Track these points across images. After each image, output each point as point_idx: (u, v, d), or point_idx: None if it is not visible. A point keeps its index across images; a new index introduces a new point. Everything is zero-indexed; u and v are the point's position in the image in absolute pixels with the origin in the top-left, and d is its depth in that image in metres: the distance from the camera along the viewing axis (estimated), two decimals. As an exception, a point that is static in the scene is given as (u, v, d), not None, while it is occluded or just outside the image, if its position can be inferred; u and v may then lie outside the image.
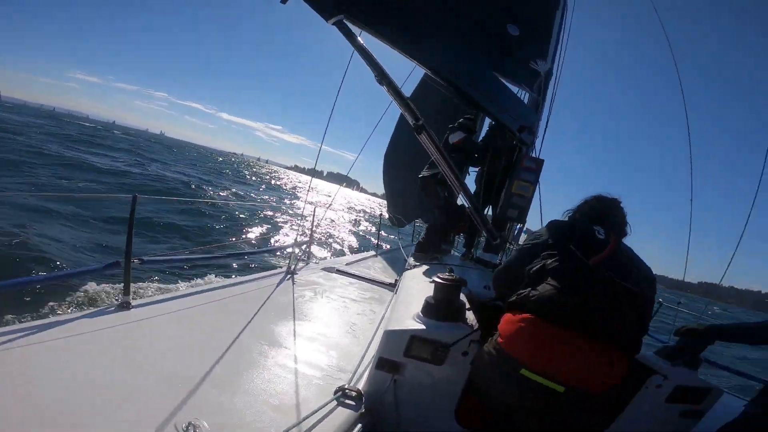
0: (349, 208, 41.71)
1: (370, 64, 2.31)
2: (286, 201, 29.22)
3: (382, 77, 2.32)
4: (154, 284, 6.49)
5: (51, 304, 5.20)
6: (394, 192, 7.83)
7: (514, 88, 4.25)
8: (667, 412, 1.87)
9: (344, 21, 2.20)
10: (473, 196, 3.64)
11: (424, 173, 4.27)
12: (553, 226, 1.82)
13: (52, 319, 1.92)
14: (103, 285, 5.91)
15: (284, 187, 45.74)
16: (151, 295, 2.91)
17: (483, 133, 5.03)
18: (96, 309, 2.14)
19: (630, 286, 1.51)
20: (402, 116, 6.22)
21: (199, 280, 7.28)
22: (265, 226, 16.19)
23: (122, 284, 2.23)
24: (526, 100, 4.41)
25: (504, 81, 3.83)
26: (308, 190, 5.35)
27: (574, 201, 1.95)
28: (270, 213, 19.75)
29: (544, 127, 4.24)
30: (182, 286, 6.41)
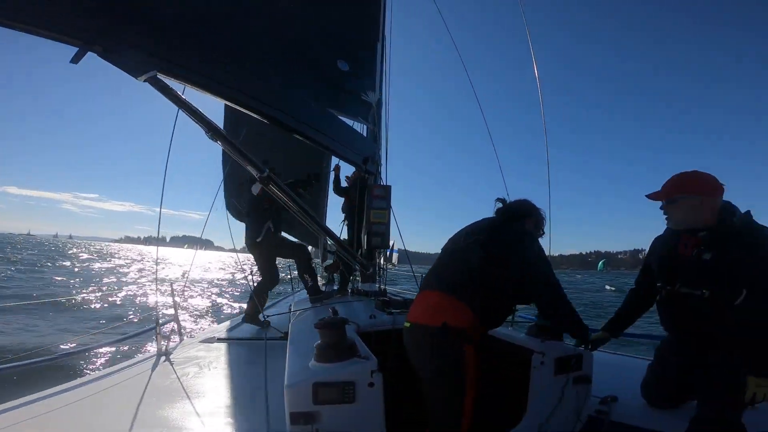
0: (208, 269, 37.81)
1: (198, 121, 2.11)
2: (126, 277, 24.74)
3: (215, 133, 2.15)
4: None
5: None
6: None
7: (352, 122, 4.44)
8: (563, 384, 1.98)
9: (158, 77, 1.98)
10: (336, 234, 3.65)
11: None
12: None
13: None
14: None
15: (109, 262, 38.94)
16: (7, 401, 2.29)
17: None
18: None
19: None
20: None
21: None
22: (115, 305, 13.46)
23: None
24: (365, 133, 4.65)
25: (341, 117, 3.98)
26: (157, 264, 4.65)
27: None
28: (118, 292, 16.67)
29: (385, 154, 4.54)
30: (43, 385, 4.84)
